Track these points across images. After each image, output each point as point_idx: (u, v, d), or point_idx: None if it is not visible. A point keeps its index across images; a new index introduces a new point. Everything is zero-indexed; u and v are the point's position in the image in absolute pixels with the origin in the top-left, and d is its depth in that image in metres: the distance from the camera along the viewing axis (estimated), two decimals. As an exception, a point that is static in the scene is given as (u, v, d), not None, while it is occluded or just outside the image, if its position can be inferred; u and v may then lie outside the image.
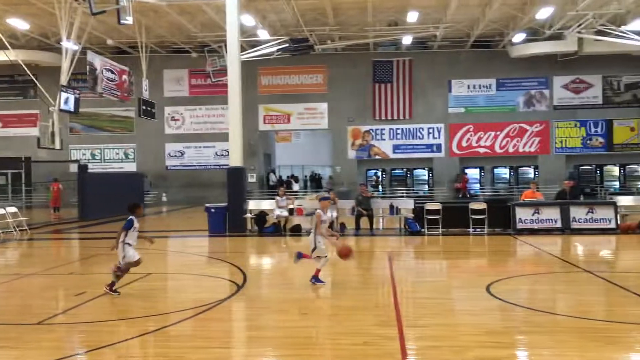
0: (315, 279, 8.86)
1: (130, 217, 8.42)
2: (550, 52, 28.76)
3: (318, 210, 8.99)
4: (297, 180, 36.23)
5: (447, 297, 8.45)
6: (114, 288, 8.28)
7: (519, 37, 27.75)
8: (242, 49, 19.74)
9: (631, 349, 5.81)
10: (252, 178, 31.18)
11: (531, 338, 6.12)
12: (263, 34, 25.61)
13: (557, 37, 27.61)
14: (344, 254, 8.66)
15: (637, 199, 19.75)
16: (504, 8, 24.49)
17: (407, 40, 28.42)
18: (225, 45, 18.82)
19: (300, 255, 9.09)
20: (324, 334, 6.39)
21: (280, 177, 36.21)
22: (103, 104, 30.68)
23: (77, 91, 21.65)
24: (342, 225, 16.79)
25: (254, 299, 8.40)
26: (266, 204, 18.56)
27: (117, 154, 33.57)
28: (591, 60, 29.47)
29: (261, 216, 17.25)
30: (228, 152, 19.44)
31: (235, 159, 17.76)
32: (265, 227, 17.12)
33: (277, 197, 17.41)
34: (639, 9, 23.75)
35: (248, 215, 17.54)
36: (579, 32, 26.22)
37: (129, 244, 8.35)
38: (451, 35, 28.82)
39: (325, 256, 8.85)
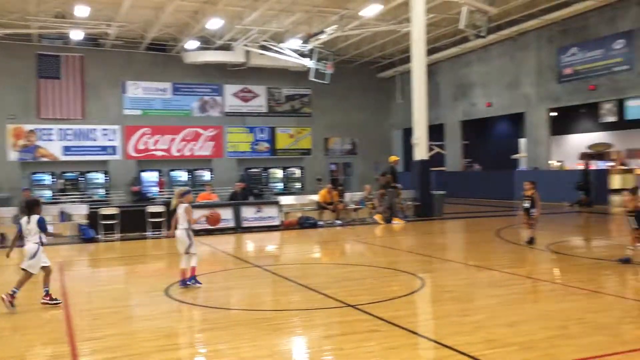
0: (194, 279, 8.76)
1: (41, 216, 7.75)
2: (221, 61, 30.45)
3: (187, 205, 8.85)
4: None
5: (124, 304, 8.22)
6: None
7: (192, 44, 28.63)
8: None
9: (293, 332, 6.55)
10: None
11: (209, 335, 6.38)
12: None
13: (227, 47, 29.41)
14: (215, 219, 8.98)
15: (297, 198, 22.38)
16: (177, 14, 24.99)
17: (77, 35, 26.62)
18: None
19: (187, 281, 8.68)
20: (-20, 364, 5.56)
21: None
22: None
23: None
24: (1, 236, 14.87)
25: None
26: None
27: None
28: (257, 71, 32.23)
29: None
30: None
31: None
32: None
33: None
34: (295, 29, 26.92)
35: None
36: (246, 45, 28.47)
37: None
38: (125, 35, 28.12)
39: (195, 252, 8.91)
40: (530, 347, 5.48)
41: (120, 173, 30.66)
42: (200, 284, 8.82)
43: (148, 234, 15.79)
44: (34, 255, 7.58)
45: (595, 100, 24.45)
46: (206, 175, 32.36)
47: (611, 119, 24.09)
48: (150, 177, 31.39)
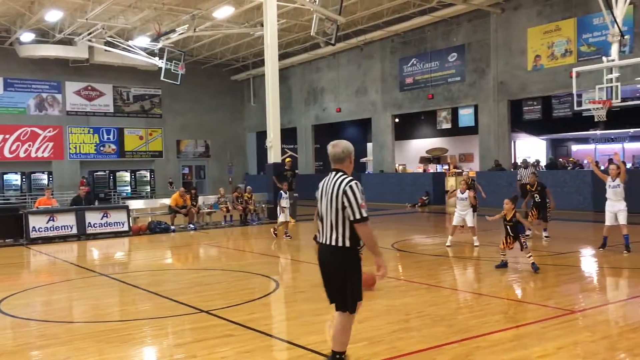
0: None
1: None
2: (62, 56, 28.41)
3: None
4: None
5: (-54, 324, 7.33)
6: None
7: (27, 36, 26.37)
8: None
9: (143, 342, 6.27)
10: None
11: (47, 352, 5.89)
12: None
13: (69, 42, 27.49)
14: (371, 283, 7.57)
15: (147, 202, 21.56)
16: (9, 3, 22.84)
17: None
18: None
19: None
20: None
21: None
22: None
23: None
24: None
25: None
26: None
27: None
28: (103, 69, 30.52)
29: None
30: None
31: None
32: None
33: None
34: (144, 26, 25.89)
35: None
36: (90, 41, 26.81)
37: None
38: (-54, 22, 25.18)
39: None
40: (377, 341, 5.78)
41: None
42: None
43: (-25, 244, 14.27)
44: None
45: (433, 108, 26.45)
46: (44, 179, 29.99)
47: (446, 125, 26.19)
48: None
